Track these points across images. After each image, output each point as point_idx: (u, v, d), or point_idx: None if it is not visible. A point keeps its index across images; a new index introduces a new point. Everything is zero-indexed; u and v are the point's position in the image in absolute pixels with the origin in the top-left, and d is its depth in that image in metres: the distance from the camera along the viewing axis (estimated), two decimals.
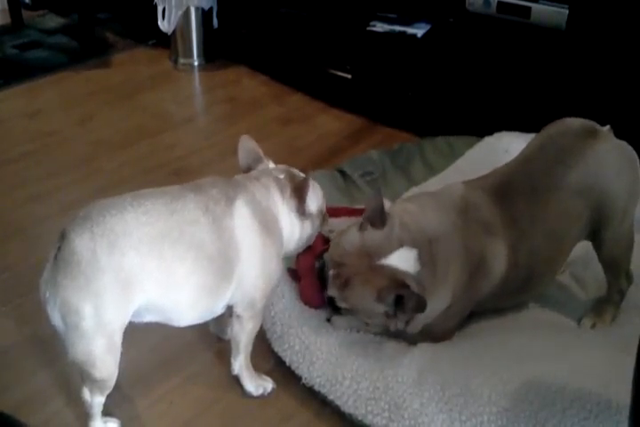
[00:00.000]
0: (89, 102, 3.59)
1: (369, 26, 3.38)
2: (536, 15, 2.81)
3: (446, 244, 1.81)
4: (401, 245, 1.76)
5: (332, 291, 1.81)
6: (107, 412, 1.80)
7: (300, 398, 1.91)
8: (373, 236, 1.77)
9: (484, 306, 2.00)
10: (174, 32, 3.94)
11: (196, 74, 4.02)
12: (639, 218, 2.06)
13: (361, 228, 1.78)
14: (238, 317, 1.80)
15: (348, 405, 1.79)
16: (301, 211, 1.83)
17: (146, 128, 3.37)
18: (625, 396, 1.16)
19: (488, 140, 2.87)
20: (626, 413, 1.18)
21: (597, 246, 2.02)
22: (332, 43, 3.54)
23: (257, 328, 1.86)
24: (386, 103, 3.39)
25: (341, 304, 1.81)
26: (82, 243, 1.52)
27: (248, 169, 1.88)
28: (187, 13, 3.86)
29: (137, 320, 1.67)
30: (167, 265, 1.60)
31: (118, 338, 1.60)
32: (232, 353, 1.89)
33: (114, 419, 1.80)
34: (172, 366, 2.01)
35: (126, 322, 1.61)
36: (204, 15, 3.91)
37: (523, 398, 1.69)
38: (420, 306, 1.70)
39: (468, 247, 1.84)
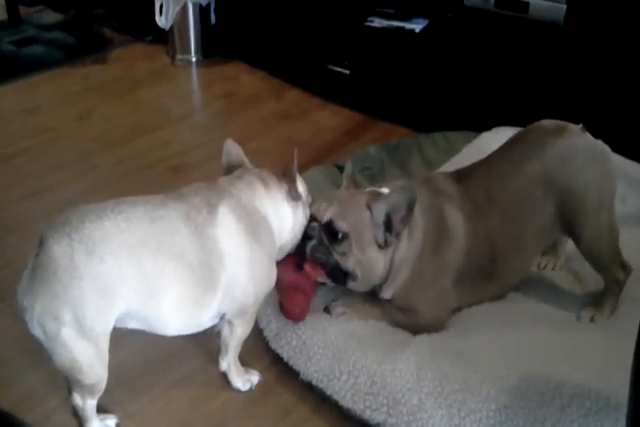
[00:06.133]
0: (86, 98, 3.59)
1: (367, 21, 3.38)
2: (534, 10, 2.80)
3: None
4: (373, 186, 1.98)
5: (329, 214, 1.88)
6: (105, 409, 1.81)
7: (299, 394, 1.91)
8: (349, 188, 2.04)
9: (465, 296, 2.02)
10: (172, 28, 3.93)
11: (194, 70, 4.01)
12: (634, 213, 2.06)
13: None
14: (229, 322, 1.79)
15: (346, 400, 1.79)
16: (294, 194, 1.80)
17: (144, 124, 3.37)
18: (624, 393, 1.16)
19: (486, 135, 2.87)
20: (624, 410, 1.18)
21: (576, 243, 2.05)
22: (330, 38, 3.53)
23: (247, 333, 1.85)
24: (384, 99, 3.39)
25: (339, 224, 1.85)
26: (60, 249, 1.49)
27: (229, 172, 1.84)
28: (184, 9, 3.86)
29: (120, 326, 1.64)
30: (146, 274, 1.56)
31: (104, 343, 1.58)
32: (220, 353, 1.89)
33: (112, 415, 1.81)
34: (171, 363, 2.01)
35: (110, 327, 1.58)
36: (202, 11, 3.91)
37: (522, 394, 1.69)
38: (411, 196, 1.81)
39: (429, 206, 1.96)
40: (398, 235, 1.88)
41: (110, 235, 1.53)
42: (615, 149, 2.08)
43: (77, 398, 1.69)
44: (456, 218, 1.96)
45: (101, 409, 1.78)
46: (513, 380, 1.73)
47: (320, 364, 1.85)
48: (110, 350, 1.61)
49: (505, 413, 1.66)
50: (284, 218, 1.81)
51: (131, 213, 1.57)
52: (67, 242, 1.49)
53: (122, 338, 1.63)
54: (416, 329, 1.96)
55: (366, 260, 1.88)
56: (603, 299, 2.06)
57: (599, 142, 2.02)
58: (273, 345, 1.95)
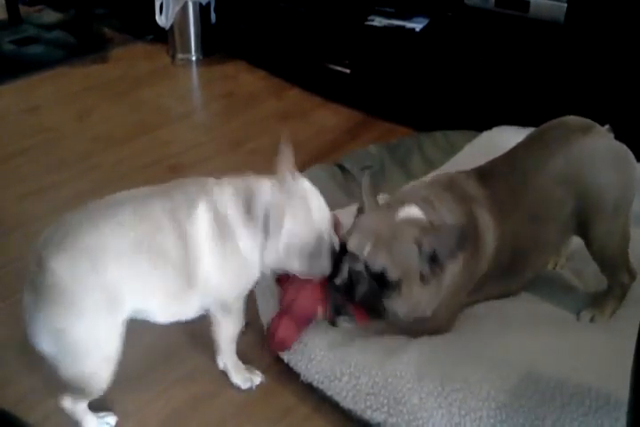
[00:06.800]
0: (87, 98, 3.59)
1: (367, 20, 3.37)
2: (534, 9, 2.80)
3: (441, 206, 1.86)
4: (403, 203, 1.82)
5: (380, 262, 1.71)
6: (105, 407, 1.81)
7: (299, 394, 1.91)
8: (376, 211, 1.84)
9: (475, 293, 2.00)
10: (172, 27, 3.93)
11: (194, 69, 4.02)
12: (636, 212, 2.06)
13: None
14: (214, 316, 1.80)
15: (347, 400, 1.79)
16: (289, 183, 1.69)
17: (144, 123, 3.37)
18: (624, 391, 1.16)
19: (487, 134, 2.87)
20: (624, 408, 1.18)
21: (588, 243, 2.02)
22: (331, 37, 3.53)
23: (235, 329, 1.85)
24: (384, 98, 3.39)
25: (392, 274, 1.71)
26: (61, 267, 1.50)
27: None
28: (184, 8, 3.86)
29: None
30: (142, 274, 1.59)
31: (115, 350, 1.60)
32: (216, 351, 1.91)
33: (110, 413, 1.81)
34: (172, 361, 2.01)
35: (120, 331, 1.60)
36: (202, 10, 3.91)
37: (522, 393, 1.69)
38: (463, 236, 1.72)
39: (461, 214, 1.89)
40: (442, 268, 1.78)
41: (108, 242, 1.54)
42: None
43: (68, 402, 1.70)
44: (487, 224, 1.91)
45: (101, 408, 1.78)
46: (513, 379, 1.72)
47: (321, 365, 1.85)
48: None
49: (505, 411, 1.66)
50: (286, 211, 1.68)
51: (120, 214, 1.58)
52: (67, 258, 1.50)
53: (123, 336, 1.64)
54: (421, 334, 1.94)
55: (413, 297, 1.78)
56: (604, 300, 2.06)
57: (624, 146, 1.99)
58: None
